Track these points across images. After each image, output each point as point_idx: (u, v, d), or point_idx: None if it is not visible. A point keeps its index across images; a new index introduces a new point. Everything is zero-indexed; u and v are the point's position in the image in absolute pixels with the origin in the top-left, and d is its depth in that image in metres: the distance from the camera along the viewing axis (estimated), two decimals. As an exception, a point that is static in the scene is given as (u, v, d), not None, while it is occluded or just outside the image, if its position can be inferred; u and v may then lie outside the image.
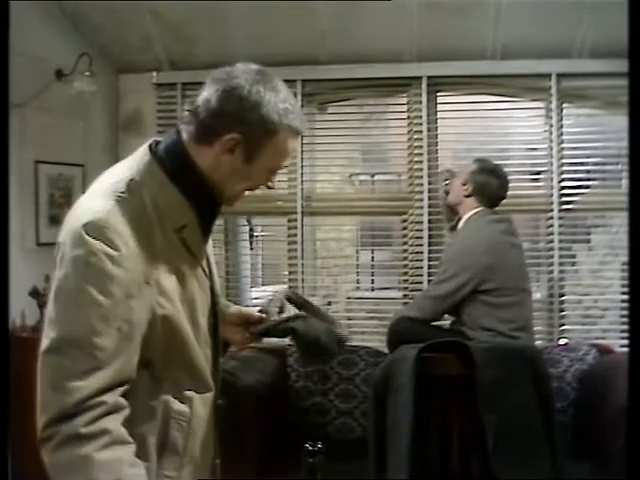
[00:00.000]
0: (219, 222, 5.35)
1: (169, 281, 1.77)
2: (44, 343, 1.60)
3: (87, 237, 1.63)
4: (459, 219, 4.12)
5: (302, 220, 5.13)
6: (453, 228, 4.19)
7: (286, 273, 5.24)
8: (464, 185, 4.08)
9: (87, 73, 4.47)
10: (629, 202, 1.73)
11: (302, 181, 5.13)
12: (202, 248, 1.91)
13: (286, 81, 5.15)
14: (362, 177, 6.32)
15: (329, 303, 5.96)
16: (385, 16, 4.55)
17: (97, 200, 1.71)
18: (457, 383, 3.30)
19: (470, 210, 4.05)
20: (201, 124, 1.78)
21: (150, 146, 1.85)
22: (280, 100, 1.80)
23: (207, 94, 1.77)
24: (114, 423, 1.61)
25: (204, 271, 1.92)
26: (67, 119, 4.75)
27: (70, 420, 1.55)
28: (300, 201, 5.11)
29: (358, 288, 5.99)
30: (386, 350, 4.06)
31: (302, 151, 5.13)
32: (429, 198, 4.90)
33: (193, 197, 1.82)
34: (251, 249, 5.52)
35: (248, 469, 3.67)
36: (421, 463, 3.28)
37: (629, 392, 1.70)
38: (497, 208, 4.13)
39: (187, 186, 1.81)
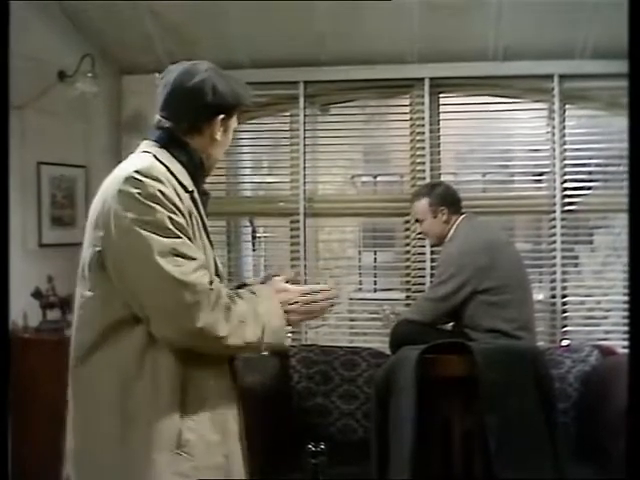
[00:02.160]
0: (221, 223, 5.37)
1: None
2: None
3: (141, 177, 1.95)
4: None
5: (304, 221, 5.13)
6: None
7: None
8: (436, 217, 4.12)
9: (90, 74, 4.47)
10: (629, 203, 1.73)
11: (304, 182, 5.13)
12: (206, 217, 2.16)
13: (288, 82, 5.18)
14: (364, 178, 6.30)
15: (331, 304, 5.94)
16: (387, 17, 4.55)
17: (134, 163, 2.02)
18: (459, 384, 3.30)
19: (457, 221, 4.11)
20: (187, 120, 2.14)
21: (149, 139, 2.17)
22: (235, 80, 2.19)
23: (178, 95, 2.13)
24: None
25: (209, 239, 2.14)
26: (69, 120, 4.75)
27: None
28: (302, 202, 5.12)
29: (360, 289, 5.98)
30: (388, 351, 4.07)
31: (304, 152, 5.14)
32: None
33: (193, 174, 2.14)
34: (253, 250, 5.52)
35: (250, 469, 3.66)
36: (423, 464, 3.27)
37: (629, 393, 1.70)
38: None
39: (188, 164, 2.13)
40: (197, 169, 2.15)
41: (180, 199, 1.99)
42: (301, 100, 5.12)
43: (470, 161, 5.32)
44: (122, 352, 1.95)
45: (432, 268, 4.88)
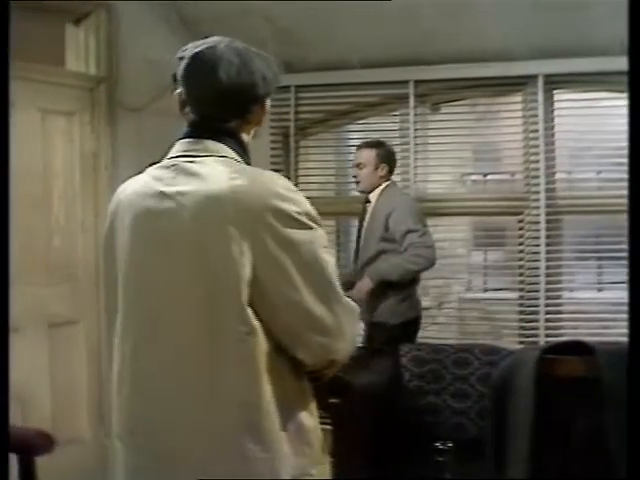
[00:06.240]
0: (331, 223, 5.41)
1: None
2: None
3: (294, 194, 1.77)
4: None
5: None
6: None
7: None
8: (377, 169, 4.51)
9: (205, 77, 4.57)
10: (629, 203, 1.69)
11: (415, 182, 5.13)
12: None
13: (398, 82, 5.19)
14: (474, 177, 6.27)
15: (440, 304, 5.93)
16: (498, 14, 4.51)
17: (273, 182, 1.79)
18: (580, 385, 3.25)
19: (381, 184, 4.54)
20: (241, 115, 1.91)
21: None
22: (263, 57, 1.94)
23: (231, 91, 1.86)
24: None
25: None
26: (184, 122, 4.86)
27: None
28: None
29: (470, 289, 5.94)
30: (501, 345, 4.05)
31: (414, 152, 5.14)
32: (546, 198, 4.85)
33: None
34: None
35: (361, 468, 3.70)
36: (541, 465, 3.24)
37: (628, 392, 1.66)
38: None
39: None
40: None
41: None
42: (411, 99, 5.12)
43: (585, 159, 5.23)
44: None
45: (547, 267, 4.83)
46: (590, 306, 4.45)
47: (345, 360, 1.86)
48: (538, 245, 4.87)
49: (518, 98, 5.04)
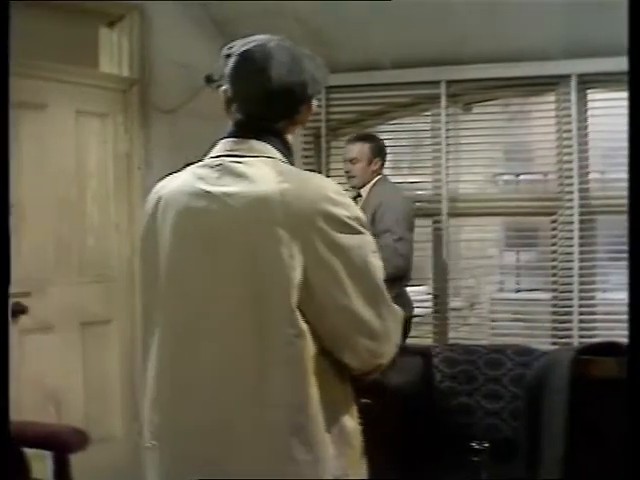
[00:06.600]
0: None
1: None
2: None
3: (345, 198, 1.78)
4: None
5: (447, 221, 5.12)
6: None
7: (430, 276, 5.23)
8: (370, 164, 4.51)
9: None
10: (629, 204, 1.67)
11: (447, 182, 5.12)
12: None
13: (430, 82, 5.17)
14: (506, 177, 6.23)
15: (472, 304, 5.90)
16: (531, 13, 4.48)
17: (325, 186, 1.80)
18: (614, 386, 3.21)
19: (373, 179, 4.53)
20: (288, 115, 1.89)
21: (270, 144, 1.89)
22: (310, 56, 1.92)
23: (280, 91, 1.83)
24: None
25: None
26: (218, 123, 4.89)
27: None
28: (445, 202, 5.10)
29: (502, 289, 5.90)
30: (534, 346, 4.02)
31: (446, 152, 5.12)
32: (580, 198, 4.82)
33: None
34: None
35: (393, 468, 3.70)
36: (576, 465, 3.22)
37: (629, 392, 1.64)
38: None
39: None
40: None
41: None
42: (443, 99, 5.10)
43: (618, 158, 5.17)
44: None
45: (580, 268, 4.80)
46: (624, 307, 4.36)
47: (388, 364, 1.85)
48: (571, 245, 4.84)
49: (551, 98, 5.00)
